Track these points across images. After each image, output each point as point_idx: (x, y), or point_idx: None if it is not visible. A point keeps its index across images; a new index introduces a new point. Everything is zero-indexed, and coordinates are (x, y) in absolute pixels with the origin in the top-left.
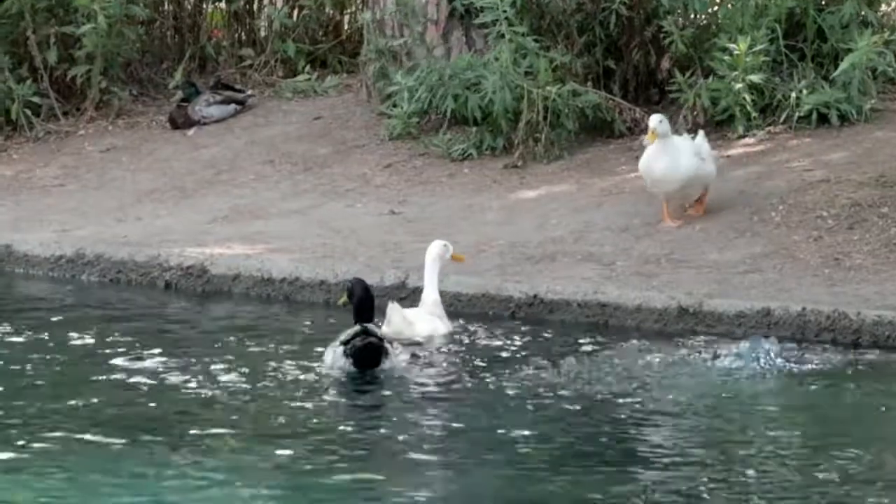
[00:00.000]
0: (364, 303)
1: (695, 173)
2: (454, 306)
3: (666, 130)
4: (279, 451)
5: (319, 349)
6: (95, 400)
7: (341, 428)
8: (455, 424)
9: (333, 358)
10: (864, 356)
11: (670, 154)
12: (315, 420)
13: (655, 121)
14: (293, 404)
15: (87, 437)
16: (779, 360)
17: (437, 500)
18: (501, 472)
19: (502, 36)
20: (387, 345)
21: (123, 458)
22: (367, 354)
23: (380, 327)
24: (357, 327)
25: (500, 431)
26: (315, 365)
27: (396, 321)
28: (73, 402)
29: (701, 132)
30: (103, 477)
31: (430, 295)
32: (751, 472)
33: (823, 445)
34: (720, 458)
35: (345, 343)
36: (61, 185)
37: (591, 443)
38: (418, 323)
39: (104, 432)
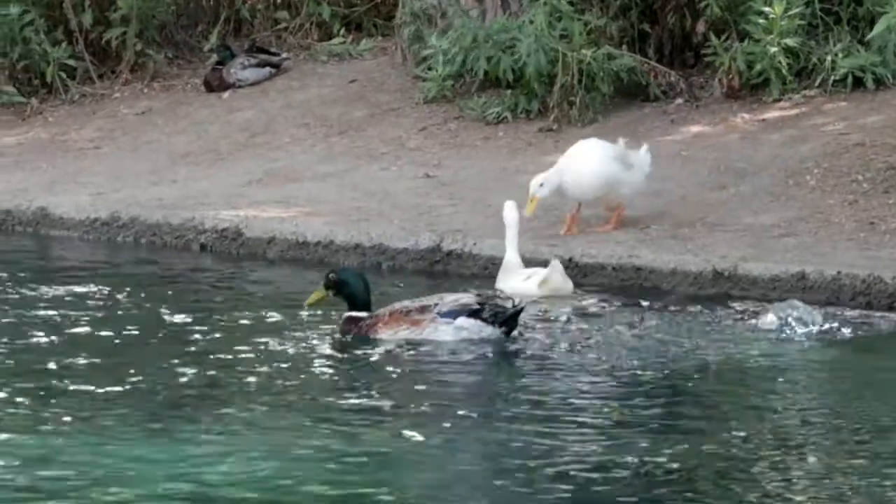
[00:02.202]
0: (366, 287)
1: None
2: (489, 269)
3: (545, 195)
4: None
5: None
6: (125, 364)
7: (388, 390)
8: (498, 386)
9: (469, 330)
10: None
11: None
12: (354, 386)
13: (535, 185)
14: (319, 369)
15: (123, 405)
16: (814, 325)
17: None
18: (537, 432)
19: None
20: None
21: (157, 420)
22: (515, 321)
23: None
24: (460, 296)
25: (541, 394)
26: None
27: (557, 279)
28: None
29: (645, 146)
30: (134, 443)
31: (515, 257)
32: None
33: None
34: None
35: (474, 314)
36: (96, 148)
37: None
38: (568, 281)
39: (135, 397)
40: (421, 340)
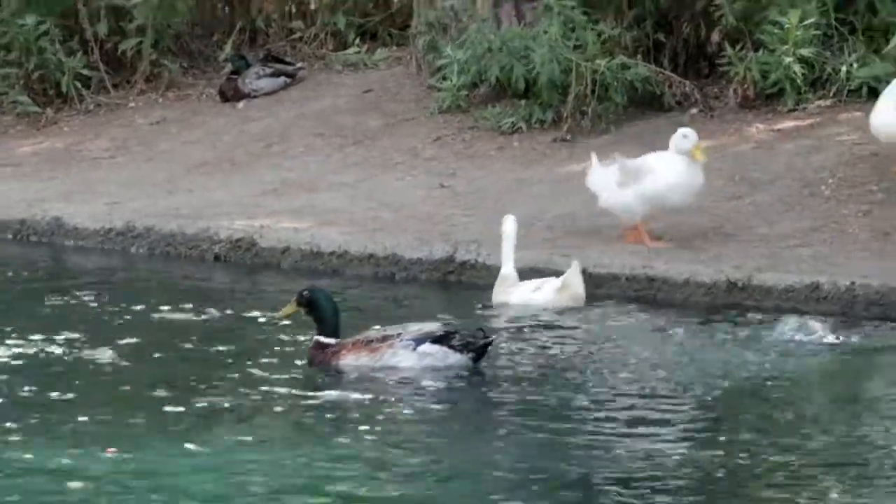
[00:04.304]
0: (337, 312)
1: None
2: None
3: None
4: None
5: (376, 326)
6: (137, 367)
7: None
8: (505, 396)
9: (433, 357)
10: None
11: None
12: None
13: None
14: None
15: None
16: (826, 336)
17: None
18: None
19: (551, 9)
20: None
21: (162, 422)
22: (485, 350)
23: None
24: (433, 324)
25: (534, 403)
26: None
27: (576, 284)
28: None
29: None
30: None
31: (511, 270)
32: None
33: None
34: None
35: (439, 341)
36: (111, 158)
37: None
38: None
39: (147, 397)
40: (382, 368)
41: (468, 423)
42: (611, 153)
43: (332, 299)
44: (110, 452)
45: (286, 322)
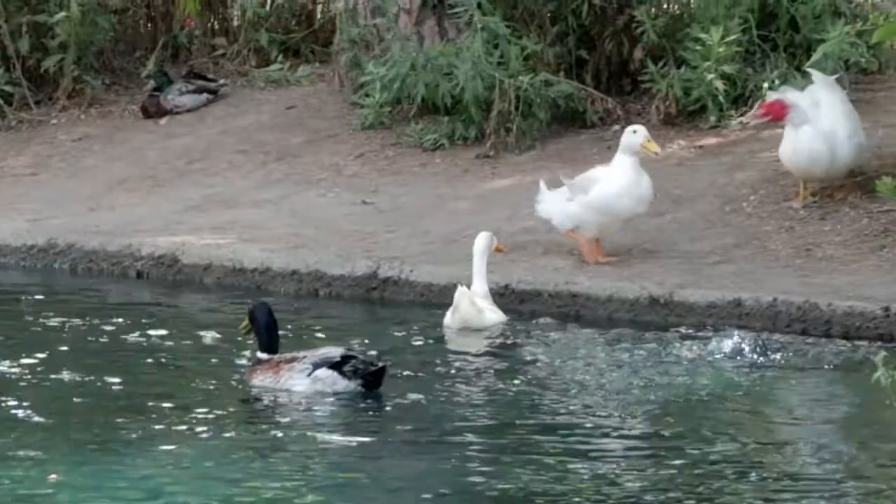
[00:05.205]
0: (272, 328)
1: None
2: (425, 296)
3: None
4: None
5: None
6: (69, 389)
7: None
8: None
9: (323, 382)
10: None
11: None
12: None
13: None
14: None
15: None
16: (752, 353)
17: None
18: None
19: (475, 25)
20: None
21: (94, 442)
22: (378, 378)
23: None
24: (337, 349)
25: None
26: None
27: (465, 307)
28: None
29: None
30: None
31: (480, 287)
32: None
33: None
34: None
35: (336, 366)
36: (33, 175)
37: (548, 432)
38: (487, 312)
39: (73, 420)
40: (281, 390)
41: (397, 446)
42: (534, 170)
43: (269, 315)
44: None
45: (208, 339)
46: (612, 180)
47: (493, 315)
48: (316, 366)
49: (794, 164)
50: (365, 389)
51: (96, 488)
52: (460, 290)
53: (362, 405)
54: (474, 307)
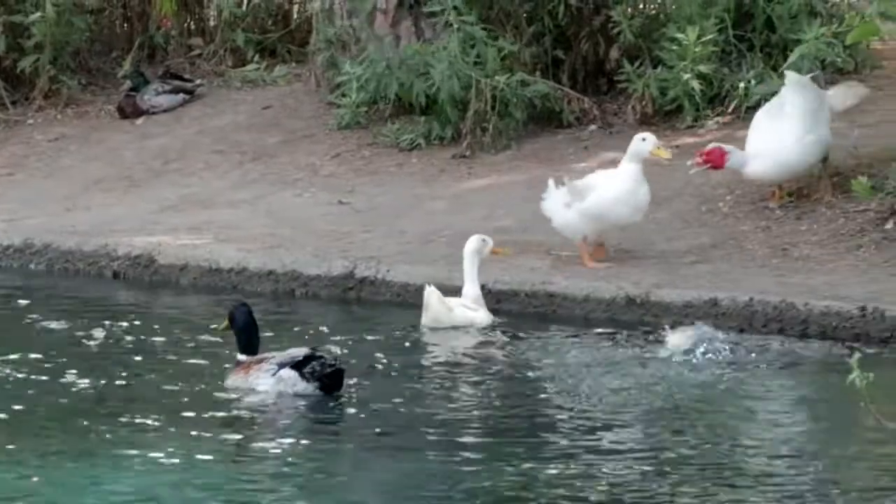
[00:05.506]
0: (251, 329)
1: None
2: (402, 296)
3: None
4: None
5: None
6: (38, 392)
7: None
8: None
9: (284, 382)
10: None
11: None
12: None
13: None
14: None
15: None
16: (724, 350)
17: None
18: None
19: (451, 25)
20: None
21: (70, 444)
22: (336, 380)
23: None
24: (301, 350)
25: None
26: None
27: (434, 305)
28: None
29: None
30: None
31: (471, 290)
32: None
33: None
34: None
35: (297, 366)
36: (10, 175)
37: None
38: (458, 309)
39: (43, 420)
40: (249, 390)
41: (377, 446)
42: (510, 170)
43: (249, 316)
44: None
45: (181, 341)
46: (611, 188)
47: (472, 314)
48: (280, 366)
49: (752, 175)
50: (322, 392)
51: (67, 490)
52: (428, 290)
53: (333, 405)
54: (443, 305)
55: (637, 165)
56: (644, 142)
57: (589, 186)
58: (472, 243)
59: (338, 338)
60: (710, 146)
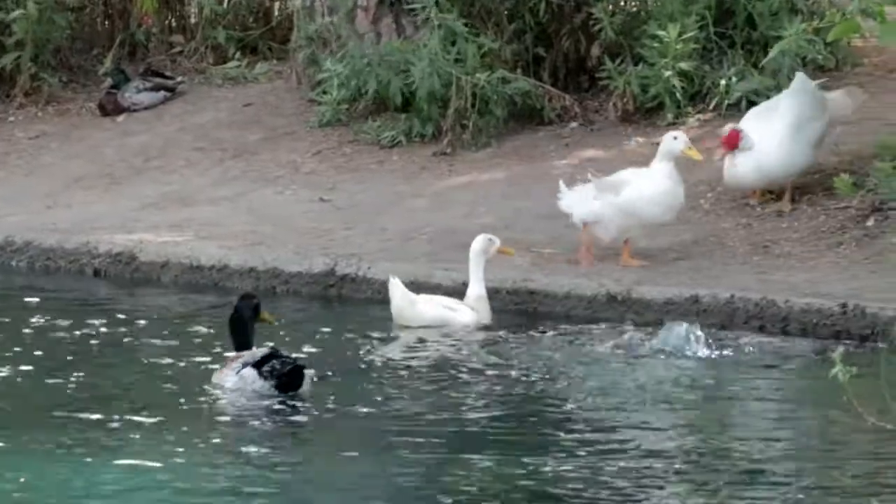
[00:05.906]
0: (238, 329)
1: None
2: (382, 294)
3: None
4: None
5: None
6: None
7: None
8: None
9: (244, 380)
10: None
11: None
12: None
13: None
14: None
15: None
16: (702, 347)
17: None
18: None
19: (431, 22)
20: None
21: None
22: (293, 378)
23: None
24: (264, 349)
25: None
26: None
27: (396, 299)
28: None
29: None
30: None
31: (475, 290)
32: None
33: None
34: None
35: (257, 365)
36: None
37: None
38: (422, 304)
39: (26, 419)
40: (219, 387)
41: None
42: (491, 167)
43: (239, 315)
44: None
45: (163, 338)
46: (648, 185)
47: (449, 314)
48: (245, 364)
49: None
50: (279, 391)
51: (51, 489)
52: (392, 282)
53: (309, 405)
54: (405, 299)
55: (670, 164)
56: (675, 140)
57: (621, 181)
58: (478, 243)
59: (317, 336)
60: (727, 127)
